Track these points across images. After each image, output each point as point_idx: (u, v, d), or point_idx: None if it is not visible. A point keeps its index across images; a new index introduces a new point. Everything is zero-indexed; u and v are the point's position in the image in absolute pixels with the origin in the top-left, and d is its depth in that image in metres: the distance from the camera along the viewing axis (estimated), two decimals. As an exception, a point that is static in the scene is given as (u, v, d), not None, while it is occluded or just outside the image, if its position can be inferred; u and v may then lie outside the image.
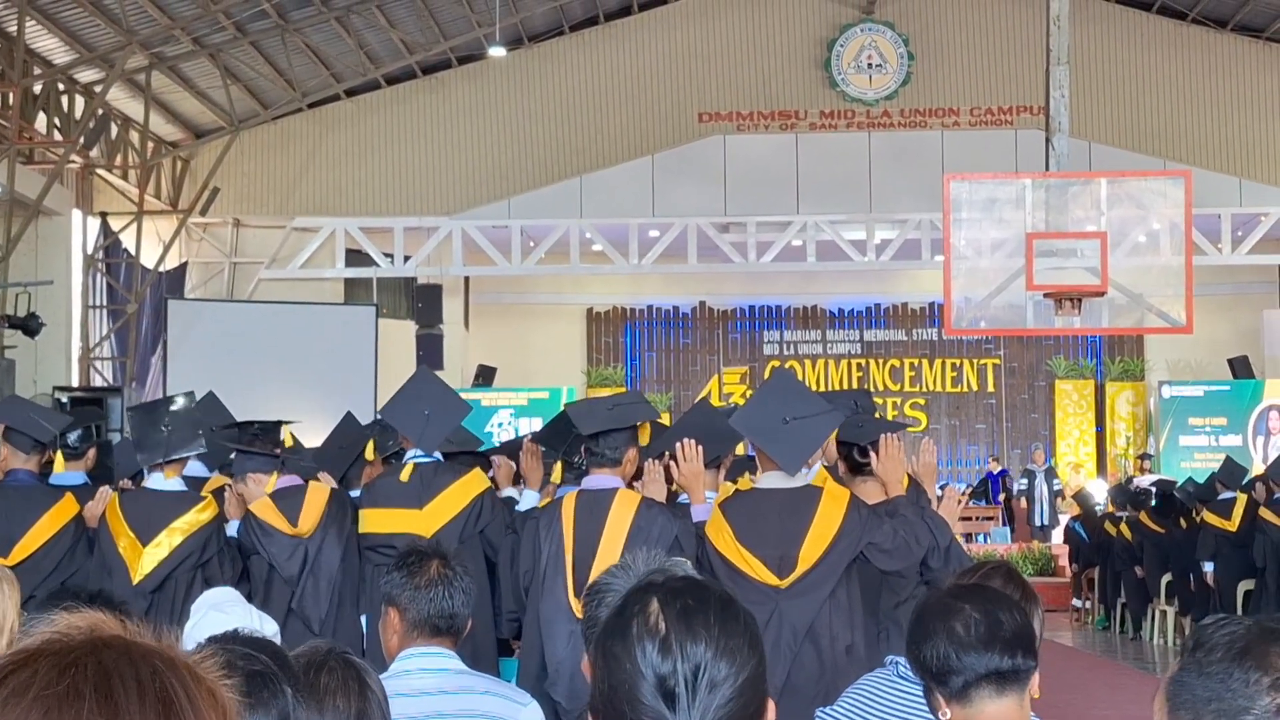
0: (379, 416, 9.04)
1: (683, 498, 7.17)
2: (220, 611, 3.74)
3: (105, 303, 22.67)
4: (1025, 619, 3.15)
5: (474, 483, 7.49)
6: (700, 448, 6.62)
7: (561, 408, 8.17)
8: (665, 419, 19.46)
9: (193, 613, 3.82)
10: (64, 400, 17.94)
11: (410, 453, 7.60)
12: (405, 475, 7.43)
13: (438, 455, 7.62)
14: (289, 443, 8.65)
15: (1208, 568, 15.55)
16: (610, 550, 6.33)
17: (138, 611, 6.37)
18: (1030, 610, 3.41)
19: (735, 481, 7.92)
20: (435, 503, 7.35)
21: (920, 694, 3.74)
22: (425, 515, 7.32)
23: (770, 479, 6.30)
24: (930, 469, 6.92)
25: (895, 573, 6.36)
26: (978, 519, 24.64)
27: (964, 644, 3.06)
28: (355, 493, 7.90)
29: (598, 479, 6.62)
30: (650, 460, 6.94)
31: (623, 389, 26.28)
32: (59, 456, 7.90)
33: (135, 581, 7.39)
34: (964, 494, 9.25)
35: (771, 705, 2.05)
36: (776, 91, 26.09)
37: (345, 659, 3.04)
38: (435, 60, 25.15)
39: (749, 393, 26.72)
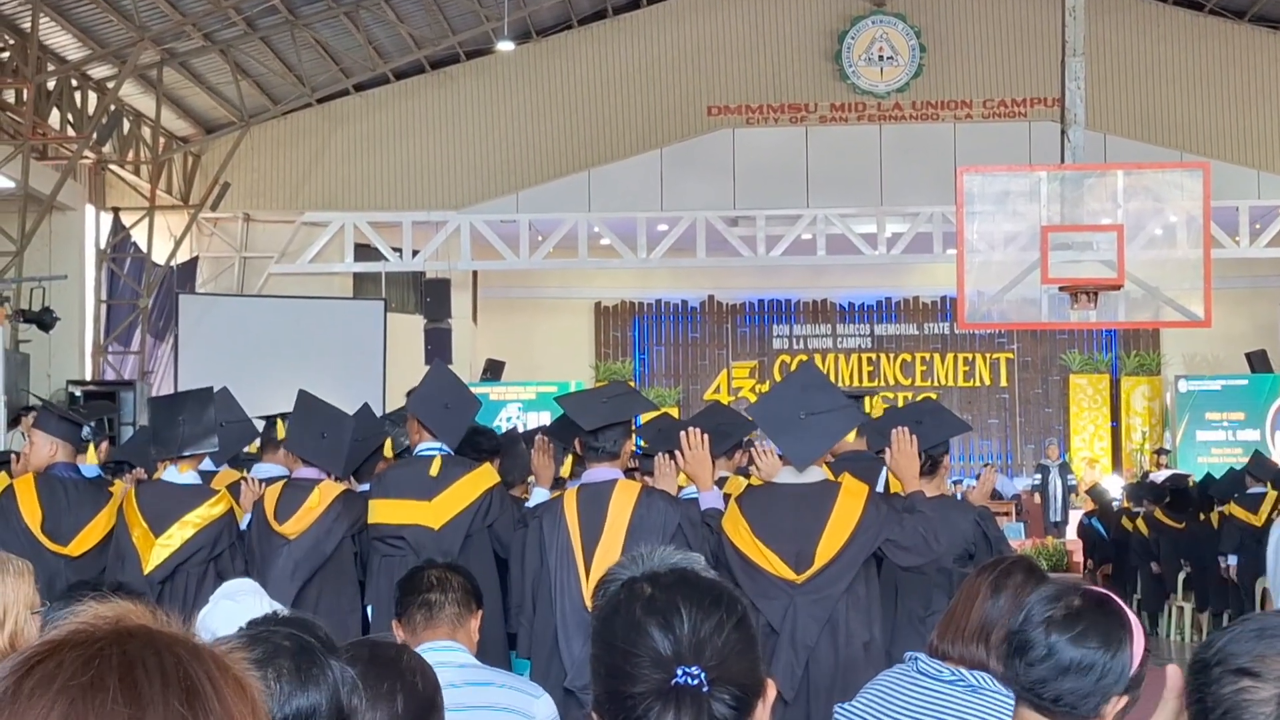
0: (391, 413, 8.98)
1: (688, 490, 7.16)
2: (231, 600, 3.70)
3: (117, 297, 22.70)
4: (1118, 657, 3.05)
5: (484, 477, 7.46)
6: (706, 436, 6.61)
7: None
8: (674, 413, 19.41)
9: (210, 601, 3.80)
10: (77, 394, 17.98)
11: (425, 445, 7.55)
12: (435, 469, 7.39)
13: (448, 449, 7.60)
14: (281, 435, 8.64)
15: (1231, 560, 15.46)
16: (613, 541, 6.35)
17: (149, 601, 6.36)
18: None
19: (747, 475, 7.92)
20: (444, 495, 7.32)
21: (939, 689, 3.73)
22: (434, 507, 7.30)
23: (788, 474, 6.27)
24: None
25: (914, 569, 6.35)
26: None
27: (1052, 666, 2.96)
28: (365, 487, 7.88)
29: (597, 472, 6.63)
30: (660, 455, 6.94)
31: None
32: (91, 450, 7.96)
33: (146, 571, 7.40)
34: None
35: (771, 685, 2.06)
36: (786, 84, 26.04)
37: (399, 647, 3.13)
38: (443, 55, 25.15)
39: (759, 387, 26.72)
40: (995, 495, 20.94)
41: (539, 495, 7.46)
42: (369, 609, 7.53)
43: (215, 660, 1.38)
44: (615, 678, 1.99)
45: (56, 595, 4.20)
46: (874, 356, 27.67)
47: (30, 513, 7.51)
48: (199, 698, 1.33)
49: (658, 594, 2.02)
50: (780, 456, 6.38)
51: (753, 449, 6.72)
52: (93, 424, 8.01)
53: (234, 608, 3.58)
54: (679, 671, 1.95)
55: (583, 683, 6.16)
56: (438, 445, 7.52)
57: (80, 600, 1.46)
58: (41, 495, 7.56)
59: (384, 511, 7.45)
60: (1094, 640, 2.96)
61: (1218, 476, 16.95)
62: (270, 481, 7.88)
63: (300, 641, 2.52)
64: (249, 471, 8.38)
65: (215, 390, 8.65)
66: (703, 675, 1.95)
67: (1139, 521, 18.33)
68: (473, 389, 8.60)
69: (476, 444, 7.87)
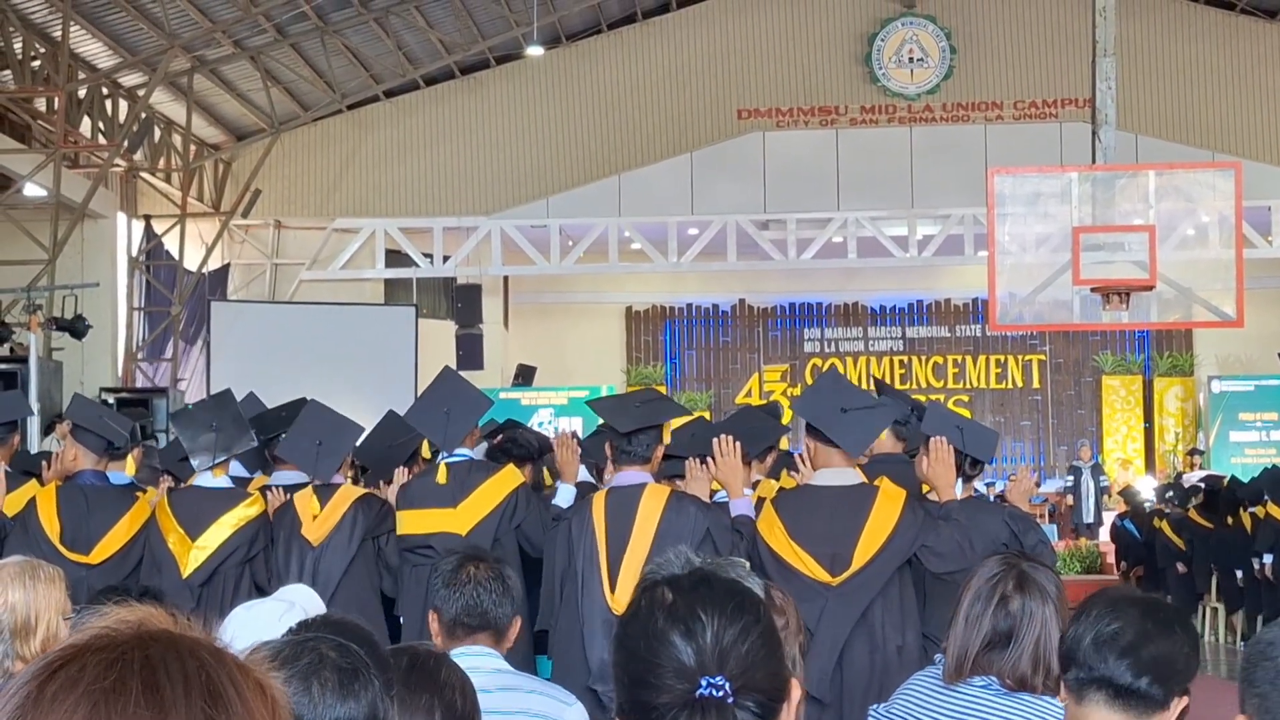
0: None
1: (720, 496, 7.15)
2: (246, 610, 3.64)
3: (149, 305, 22.79)
4: (1180, 652, 3.05)
5: (507, 479, 7.49)
6: (738, 444, 6.60)
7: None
8: (707, 416, 19.37)
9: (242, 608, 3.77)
10: (110, 401, 18.02)
11: (444, 452, 7.62)
12: (441, 477, 7.42)
13: (470, 453, 7.63)
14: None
15: (1267, 559, 15.39)
16: (640, 545, 6.36)
17: (185, 606, 6.38)
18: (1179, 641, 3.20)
19: (777, 479, 7.90)
20: (468, 501, 7.36)
21: (972, 693, 3.72)
22: (459, 513, 7.33)
23: (825, 476, 6.26)
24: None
25: (945, 576, 6.33)
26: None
27: (1097, 640, 3.01)
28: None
29: (627, 475, 6.64)
30: (692, 459, 6.93)
31: (662, 388, 26.21)
32: (130, 459, 8.00)
33: (185, 575, 7.43)
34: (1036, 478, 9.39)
35: (796, 685, 2.03)
36: (816, 87, 25.99)
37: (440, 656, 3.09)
38: (473, 60, 25.17)
39: (790, 391, 26.66)
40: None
41: (564, 492, 7.48)
42: (400, 619, 7.55)
43: (237, 663, 1.38)
44: (639, 687, 1.96)
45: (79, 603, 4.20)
46: (906, 359, 27.59)
47: (50, 525, 7.55)
48: (221, 701, 1.33)
49: (679, 600, 1.98)
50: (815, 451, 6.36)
51: (796, 458, 6.71)
52: (127, 433, 8.04)
53: (245, 615, 3.52)
54: (703, 683, 1.92)
55: (606, 685, 6.16)
56: (462, 452, 7.58)
57: (105, 605, 1.46)
58: (61, 506, 7.60)
59: (411, 522, 7.48)
60: (1175, 630, 3.04)
61: (1247, 479, 16.87)
62: (289, 489, 7.91)
63: (346, 653, 2.50)
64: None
65: (243, 395, 8.69)
66: (727, 685, 1.92)
67: (1165, 523, 18.28)
68: (504, 394, 8.62)
69: (508, 450, 7.91)
